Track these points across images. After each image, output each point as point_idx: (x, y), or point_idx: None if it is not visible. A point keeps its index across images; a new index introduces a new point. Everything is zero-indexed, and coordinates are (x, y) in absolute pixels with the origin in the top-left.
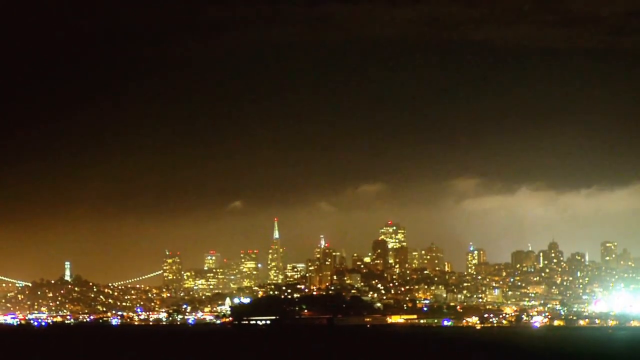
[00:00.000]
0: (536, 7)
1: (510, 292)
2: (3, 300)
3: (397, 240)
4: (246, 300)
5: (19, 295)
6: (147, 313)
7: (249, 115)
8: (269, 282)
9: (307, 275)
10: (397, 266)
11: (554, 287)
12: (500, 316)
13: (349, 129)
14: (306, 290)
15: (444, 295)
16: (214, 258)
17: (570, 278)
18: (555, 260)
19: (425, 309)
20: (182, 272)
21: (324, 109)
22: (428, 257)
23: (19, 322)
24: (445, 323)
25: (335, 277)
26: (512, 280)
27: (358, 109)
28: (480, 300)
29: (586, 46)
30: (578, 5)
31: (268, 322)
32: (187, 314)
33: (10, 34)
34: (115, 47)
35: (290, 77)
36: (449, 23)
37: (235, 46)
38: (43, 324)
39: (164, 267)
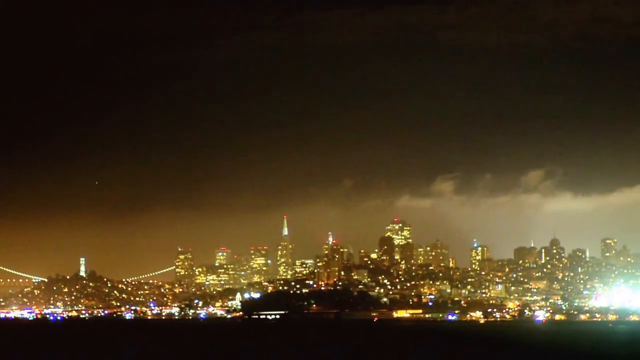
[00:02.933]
0: (504, 13)
1: (513, 288)
2: (20, 295)
3: (403, 237)
4: (256, 295)
5: (35, 291)
6: (160, 308)
7: (257, 116)
8: (278, 277)
9: (316, 271)
10: (403, 262)
11: (555, 283)
12: (504, 311)
13: (348, 128)
14: (314, 285)
15: (449, 290)
16: (224, 254)
17: (572, 274)
18: (556, 257)
19: (430, 303)
20: (194, 268)
21: (322, 108)
22: (433, 253)
23: (35, 317)
24: (450, 317)
25: (342, 273)
26: (514, 275)
27: (351, 108)
28: (484, 295)
29: (552, 50)
30: (544, 12)
31: (277, 316)
32: (198, 308)
33: (24, 38)
34: (124, 55)
35: (289, 80)
36: (422, 29)
37: (225, 51)
38: (59, 318)
39: (176, 263)
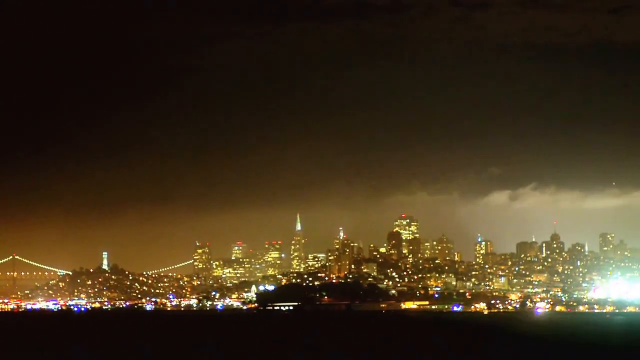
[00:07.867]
0: (452, 27)
1: (515, 280)
2: (45, 288)
3: (410, 232)
4: (270, 288)
5: (60, 283)
6: (179, 299)
7: (270, 117)
8: (291, 270)
9: (327, 264)
10: (410, 256)
11: (555, 276)
12: (506, 302)
13: (351, 129)
14: (326, 278)
15: (454, 283)
16: (240, 248)
17: (571, 267)
18: (557, 251)
19: (436, 295)
20: (211, 262)
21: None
22: (439, 247)
23: (60, 308)
24: (455, 309)
25: (353, 266)
26: (517, 269)
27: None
28: (488, 287)
29: (501, 58)
30: (490, 24)
31: (291, 307)
32: (215, 300)
33: (37, 42)
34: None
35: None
36: (374, 39)
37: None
38: (82, 309)
39: (195, 257)
